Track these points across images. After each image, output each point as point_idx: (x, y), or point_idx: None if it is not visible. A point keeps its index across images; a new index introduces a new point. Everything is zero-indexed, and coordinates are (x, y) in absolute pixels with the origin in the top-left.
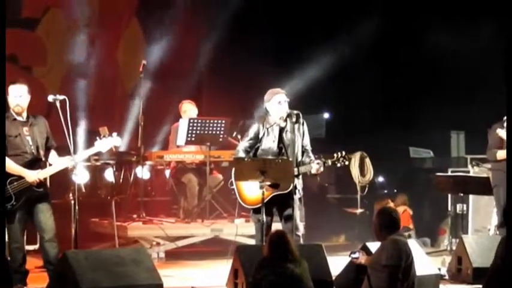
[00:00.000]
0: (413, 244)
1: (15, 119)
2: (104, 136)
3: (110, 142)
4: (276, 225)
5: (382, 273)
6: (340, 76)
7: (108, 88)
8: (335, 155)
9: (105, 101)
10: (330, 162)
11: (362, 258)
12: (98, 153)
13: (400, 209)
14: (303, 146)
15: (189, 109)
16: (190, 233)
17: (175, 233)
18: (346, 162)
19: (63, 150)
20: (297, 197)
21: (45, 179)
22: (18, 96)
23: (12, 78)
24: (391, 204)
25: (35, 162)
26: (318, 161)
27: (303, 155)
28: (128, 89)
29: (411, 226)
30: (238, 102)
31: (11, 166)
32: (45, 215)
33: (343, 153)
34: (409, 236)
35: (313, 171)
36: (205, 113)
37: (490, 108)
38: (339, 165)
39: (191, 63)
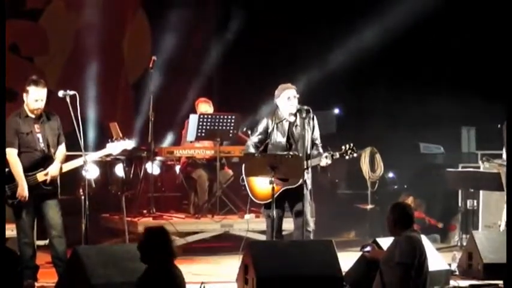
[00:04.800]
0: (424, 240)
1: (27, 116)
2: (116, 139)
3: (121, 145)
4: (287, 221)
5: (395, 270)
6: (351, 72)
7: (111, 78)
8: (343, 147)
9: (108, 91)
10: (338, 154)
11: (374, 252)
12: None
13: None
14: (312, 140)
15: (204, 110)
16: (201, 228)
17: (186, 228)
18: (355, 155)
19: (70, 139)
20: (307, 191)
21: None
22: (40, 100)
23: (13, 67)
24: (410, 200)
25: (45, 160)
26: (326, 153)
27: (312, 149)
28: (132, 80)
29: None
30: (249, 97)
31: (16, 169)
32: (53, 211)
33: (351, 145)
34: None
35: (322, 163)
36: (216, 108)
37: (500, 104)
38: (347, 157)
39: (202, 57)
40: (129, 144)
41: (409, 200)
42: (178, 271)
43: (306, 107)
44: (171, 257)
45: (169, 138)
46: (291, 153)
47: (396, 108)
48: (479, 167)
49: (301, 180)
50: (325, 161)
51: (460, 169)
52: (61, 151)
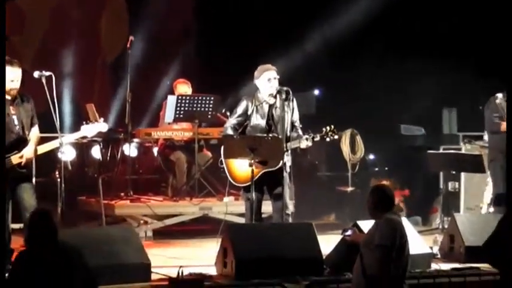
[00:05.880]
0: (405, 223)
1: None
2: (91, 121)
3: (96, 128)
4: (267, 203)
5: (375, 252)
6: (332, 53)
7: (88, 59)
8: (323, 129)
9: (85, 72)
10: (318, 136)
11: (355, 236)
12: None
13: None
14: (292, 122)
15: (183, 91)
16: (179, 211)
17: (163, 211)
18: (335, 136)
19: (46, 121)
20: (286, 173)
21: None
22: (16, 80)
23: None
24: (388, 182)
25: (20, 142)
26: (307, 136)
27: (291, 131)
28: (109, 60)
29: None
30: (228, 79)
31: None
32: (28, 194)
33: (332, 127)
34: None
35: (302, 146)
36: (194, 89)
37: (481, 86)
38: (327, 139)
39: (181, 37)
40: (104, 126)
41: (386, 181)
42: (61, 259)
43: (285, 88)
44: (51, 242)
45: (147, 120)
46: (270, 135)
47: (377, 89)
48: (460, 149)
49: (281, 163)
50: (305, 143)
51: (441, 151)
52: (34, 133)
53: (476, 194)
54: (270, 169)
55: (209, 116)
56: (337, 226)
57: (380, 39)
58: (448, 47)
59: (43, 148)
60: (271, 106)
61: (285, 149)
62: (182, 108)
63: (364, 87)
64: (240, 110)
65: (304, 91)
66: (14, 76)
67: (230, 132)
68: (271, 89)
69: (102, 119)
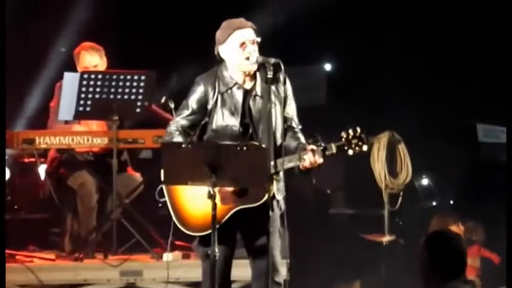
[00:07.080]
0: None
1: None
2: None
3: None
4: (240, 264)
5: None
6: (353, 4)
7: None
8: (344, 134)
9: None
10: (334, 148)
11: None
12: None
13: None
14: (285, 121)
15: (91, 64)
16: (84, 278)
17: (56, 278)
18: (364, 147)
19: None
20: (276, 213)
21: None
22: None
23: None
24: (458, 228)
25: None
26: (313, 146)
27: (285, 137)
28: None
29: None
30: (171, 44)
31: None
32: None
33: (358, 130)
34: None
35: (306, 163)
36: (110, 60)
37: None
38: (350, 152)
39: None
40: None
41: (456, 228)
42: None
43: (272, 60)
44: None
45: (26, 116)
46: (247, 143)
47: (431, 64)
48: None
49: (266, 195)
50: (310, 158)
51: None
52: None
53: None
54: (248, 205)
55: (138, 110)
56: None
57: None
58: None
59: None
60: (247, 93)
61: (273, 169)
62: (90, 95)
63: (408, 57)
64: (193, 101)
65: (307, 64)
66: None
67: (177, 137)
68: (246, 63)
69: None
